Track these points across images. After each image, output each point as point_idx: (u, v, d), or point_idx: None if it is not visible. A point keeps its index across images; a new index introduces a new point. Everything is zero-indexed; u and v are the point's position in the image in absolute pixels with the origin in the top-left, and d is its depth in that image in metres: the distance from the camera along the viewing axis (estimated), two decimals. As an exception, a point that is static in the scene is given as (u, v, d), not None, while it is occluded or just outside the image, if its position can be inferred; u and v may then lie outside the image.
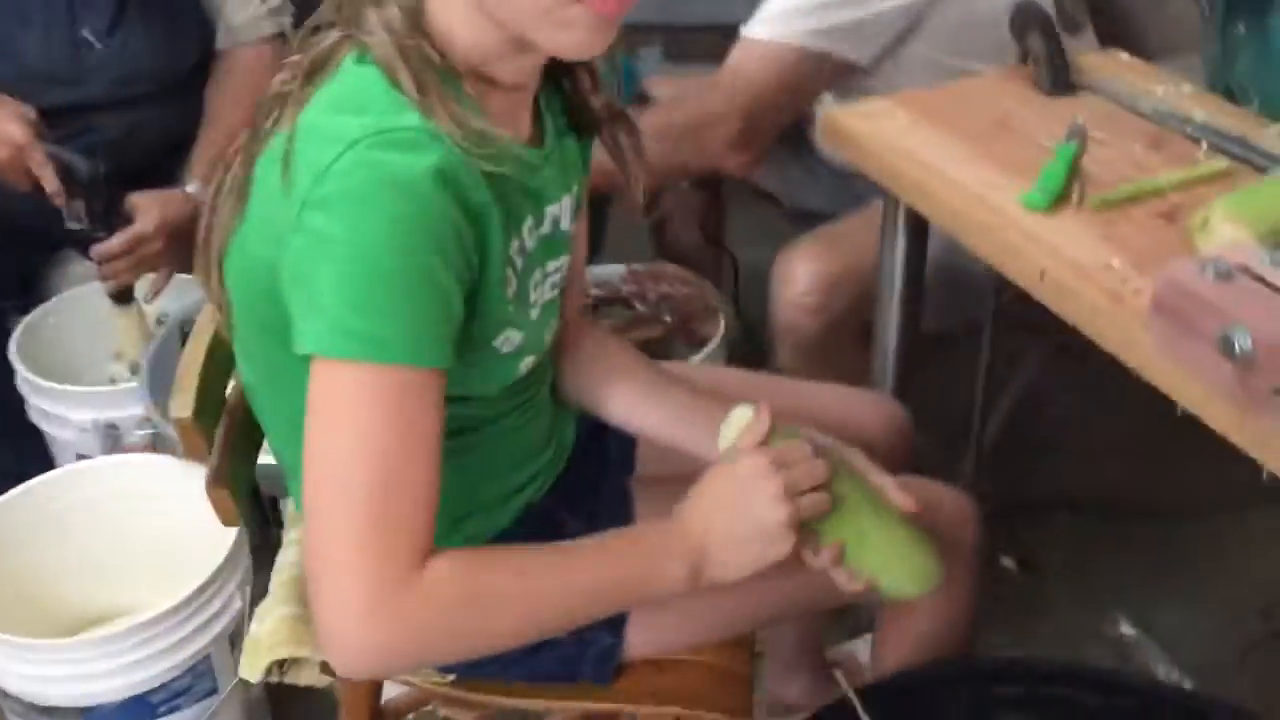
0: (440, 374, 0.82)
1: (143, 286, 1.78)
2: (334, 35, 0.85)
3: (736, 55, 1.57)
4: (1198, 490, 2.00)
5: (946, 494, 1.15)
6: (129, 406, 1.67)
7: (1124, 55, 1.37)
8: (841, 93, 1.61)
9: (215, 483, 0.99)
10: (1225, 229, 0.97)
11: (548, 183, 0.94)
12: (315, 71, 0.84)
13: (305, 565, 0.84)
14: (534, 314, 0.96)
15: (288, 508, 1.16)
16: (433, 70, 0.81)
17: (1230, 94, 1.27)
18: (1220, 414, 0.87)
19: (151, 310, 1.82)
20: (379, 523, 0.80)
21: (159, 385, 1.66)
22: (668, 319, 1.91)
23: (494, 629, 0.87)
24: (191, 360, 0.99)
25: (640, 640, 1.06)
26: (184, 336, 1.60)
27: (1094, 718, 1.13)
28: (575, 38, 0.84)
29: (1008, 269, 1.05)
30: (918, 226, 1.30)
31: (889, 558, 0.97)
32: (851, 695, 1.08)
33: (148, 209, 1.72)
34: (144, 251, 1.72)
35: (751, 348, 1.89)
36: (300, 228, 0.79)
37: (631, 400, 1.11)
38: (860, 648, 1.56)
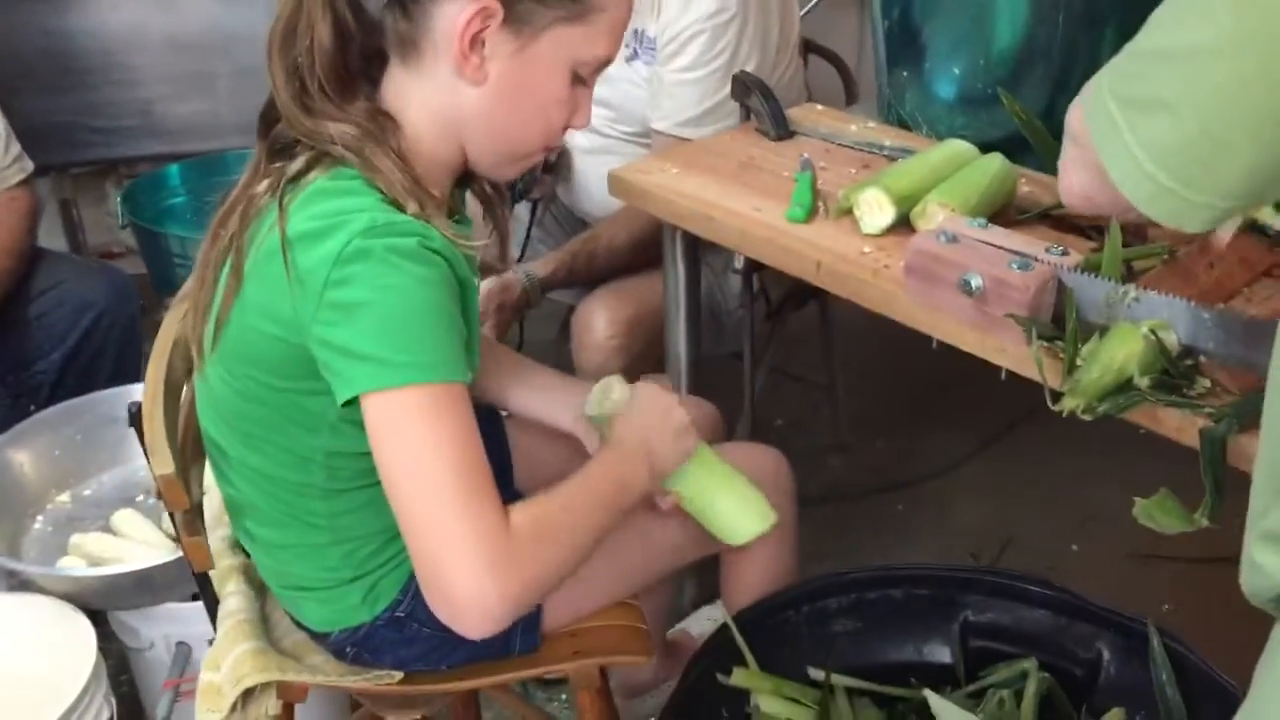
0: (466, 387, 1.02)
1: None
2: (305, 155, 1.04)
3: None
4: (914, 463, 2.43)
5: (764, 452, 1.45)
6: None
7: (819, 106, 1.75)
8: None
9: (191, 531, 1.12)
10: (937, 211, 1.33)
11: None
12: (292, 182, 1.03)
13: (421, 563, 0.98)
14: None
15: (219, 573, 1.29)
16: (419, 186, 1.03)
17: (904, 124, 1.66)
18: (967, 338, 1.21)
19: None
20: (473, 501, 0.97)
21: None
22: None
23: (566, 554, 1.06)
24: (154, 428, 1.12)
25: (555, 608, 1.27)
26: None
27: (902, 606, 1.45)
28: (516, 166, 1.15)
29: (790, 267, 1.37)
30: (691, 255, 1.61)
31: (739, 499, 1.26)
32: (730, 622, 1.34)
33: None
34: None
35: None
36: (326, 304, 0.98)
37: (503, 382, 1.36)
38: (691, 624, 1.83)
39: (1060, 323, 1.14)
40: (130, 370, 2.15)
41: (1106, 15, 1.46)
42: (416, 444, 0.98)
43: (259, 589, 1.31)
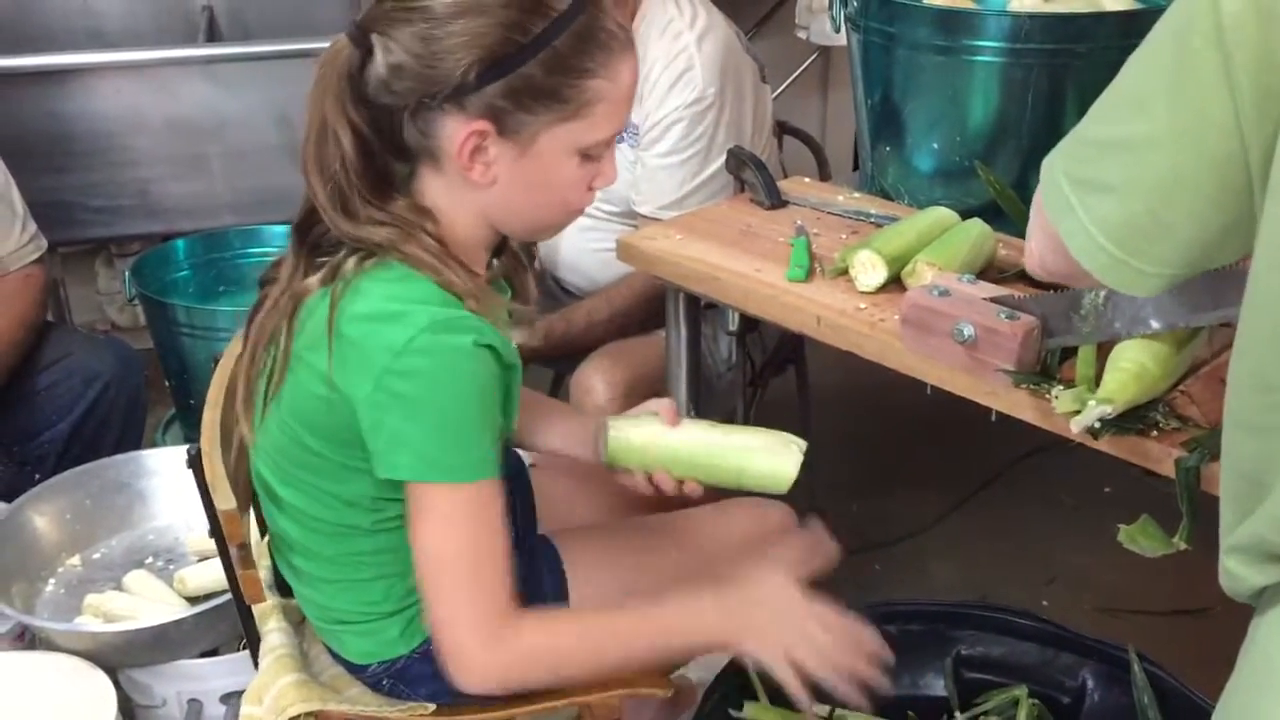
0: (499, 481, 1.14)
1: None
2: (352, 252, 1.13)
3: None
4: (888, 525, 2.53)
5: (774, 507, 1.52)
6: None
7: (806, 179, 1.88)
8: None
9: (245, 565, 1.19)
10: (925, 270, 1.44)
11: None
12: (343, 277, 1.13)
13: (433, 626, 1.15)
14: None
15: (261, 612, 1.36)
16: (468, 275, 1.13)
17: (885, 195, 1.79)
18: (960, 383, 1.31)
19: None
20: (478, 590, 1.12)
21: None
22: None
23: (564, 671, 1.20)
24: (213, 468, 1.20)
25: None
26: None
27: (898, 642, 1.52)
28: (554, 232, 1.23)
29: (792, 322, 1.48)
30: (693, 316, 1.72)
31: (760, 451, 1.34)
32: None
33: None
34: None
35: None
36: (382, 388, 1.08)
37: (532, 425, 1.44)
38: (691, 669, 1.89)
39: (1045, 368, 1.26)
40: (133, 439, 2.20)
41: (1068, 94, 1.60)
42: (444, 533, 1.12)
43: (297, 626, 1.37)
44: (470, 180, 1.13)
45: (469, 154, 1.11)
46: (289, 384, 1.17)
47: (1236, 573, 0.87)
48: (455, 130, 1.10)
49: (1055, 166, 0.90)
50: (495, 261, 1.28)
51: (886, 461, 2.80)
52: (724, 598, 1.19)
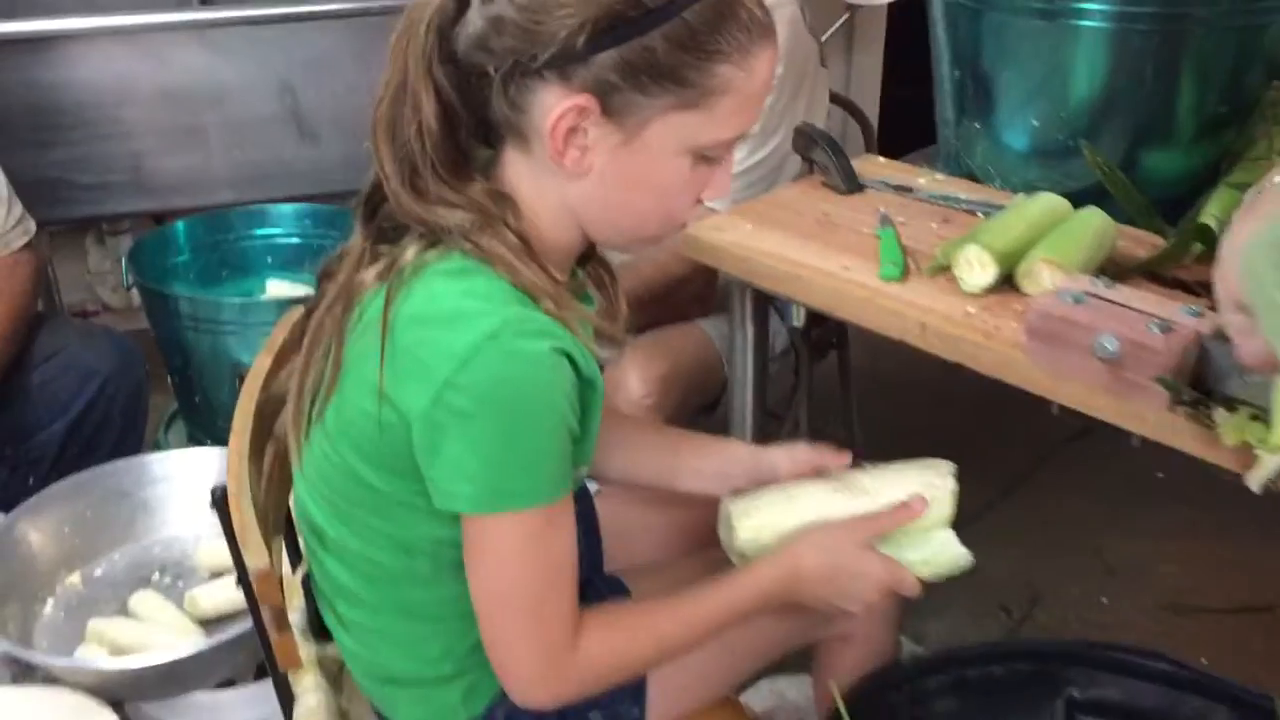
0: (570, 496, 0.99)
1: None
2: (416, 241, 0.97)
3: None
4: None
5: None
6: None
7: (880, 158, 1.70)
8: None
9: (280, 626, 1.03)
10: (1042, 269, 1.27)
11: None
12: (400, 270, 0.97)
13: (492, 657, 1.03)
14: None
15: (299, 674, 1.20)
16: (548, 276, 0.96)
17: (972, 176, 1.61)
18: (1099, 404, 1.15)
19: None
20: (540, 620, 0.99)
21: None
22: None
23: (635, 672, 1.12)
24: (243, 518, 1.03)
25: (659, 702, 1.19)
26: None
27: (1003, 684, 1.39)
28: (651, 244, 1.06)
29: (890, 329, 1.30)
30: (761, 314, 1.54)
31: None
32: (841, 705, 1.27)
33: None
34: None
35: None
36: (440, 403, 0.91)
37: (620, 455, 1.28)
38: (752, 697, 1.75)
39: (1202, 388, 1.09)
40: (134, 439, 2.05)
41: (1185, 64, 1.43)
42: (506, 563, 0.98)
43: (334, 679, 1.21)
44: (560, 167, 0.96)
45: (564, 134, 0.94)
46: (336, 398, 1.01)
47: None
48: (552, 103, 0.93)
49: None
50: (579, 272, 1.10)
51: (929, 448, 2.65)
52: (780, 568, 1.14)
